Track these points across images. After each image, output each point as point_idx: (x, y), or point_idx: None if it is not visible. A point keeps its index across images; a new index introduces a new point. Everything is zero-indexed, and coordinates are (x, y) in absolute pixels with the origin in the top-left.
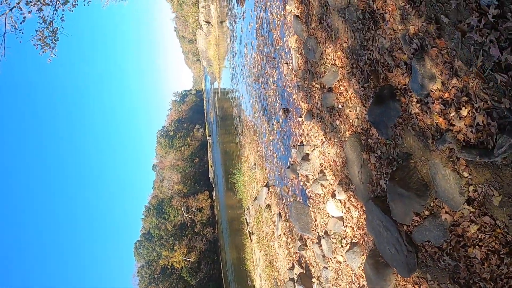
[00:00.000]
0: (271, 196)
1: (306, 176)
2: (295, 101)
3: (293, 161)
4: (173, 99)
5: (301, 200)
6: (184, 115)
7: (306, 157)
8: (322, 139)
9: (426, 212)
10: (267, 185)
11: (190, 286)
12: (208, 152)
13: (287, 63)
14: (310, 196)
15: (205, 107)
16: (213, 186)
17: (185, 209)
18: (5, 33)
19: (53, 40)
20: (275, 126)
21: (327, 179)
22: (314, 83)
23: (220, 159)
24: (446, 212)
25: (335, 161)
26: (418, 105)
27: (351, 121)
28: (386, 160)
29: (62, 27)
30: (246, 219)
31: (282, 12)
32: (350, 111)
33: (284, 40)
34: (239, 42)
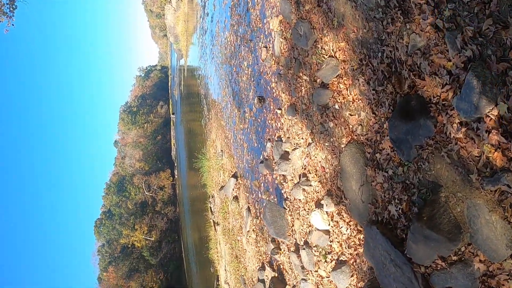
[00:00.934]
0: (239, 188)
1: (284, 176)
2: (274, 90)
3: (267, 156)
4: (137, 74)
5: (275, 199)
6: (148, 91)
7: (285, 156)
8: (307, 139)
9: (454, 257)
10: (235, 176)
11: (150, 265)
12: (171, 130)
13: (266, 47)
14: (287, 198)
15: (169, 84)
16: (175, 164)
17: (146, 187)
18: None
19: (11, 9)
20: (247, 114)
21: (311, 185)
22: (301, 74)
23: (183, 137)
24: (481, 261)
25: (324, 168)
26: (463, 129)
27: (351, 126)
28: (400, 184)
29: None
30: (210, 207)
31: None
32: (350, 114)
33: (265, 22)
34: (210, 20)
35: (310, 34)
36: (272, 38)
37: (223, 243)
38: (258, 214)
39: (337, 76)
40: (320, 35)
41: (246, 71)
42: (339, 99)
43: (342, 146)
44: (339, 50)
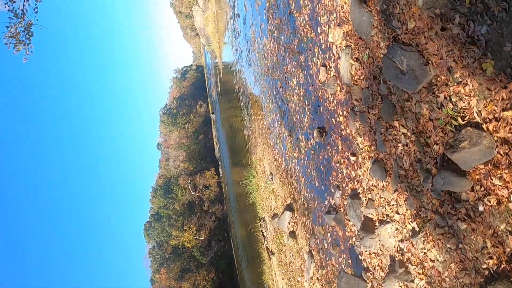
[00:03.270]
0: (296, 223)
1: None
2: (343, 127)
3: (336, 206)
4: (174, 76)
5: (349, 261)
6: (186, 92)
7: (368, 225)
8: (406, 219)
9: None
10: (290, 208)
11: (201, 264)
12: (213, 129)
13: (325, 66)
14: (369, 269)
15: (206, 82)
16: (219, 162)
17: (192, 187)
18: None
19: (28, 36)
20: (302, 143)
21: (413, 281)
22: (397, 125)
23: (225, 135)
24: None
25: (440, 273)
26: None
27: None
28: None
29: (37, 19)
30: (262, 231)
31: None
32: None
33: (319, 31)
34: (242, 21)
35: (421, 72)
36: (333, 55)
37: (279, 275)
38: (323, 264)
39: (487, 162)
40: (443, 78)
41: (296, 91)
42: (487, 200)
43: (484, 268)
44: (495, 120)
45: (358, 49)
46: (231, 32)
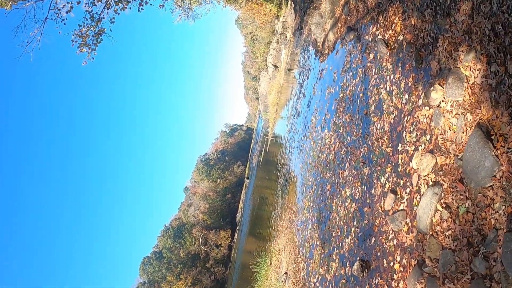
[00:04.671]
0: None
1: None
2: (396, 277)
3: None
4: (223, 129)
5: None
6: (229, 148)
7: None
8: None
9: None
10: None
11: None
12: (242, 193)
13: (394, 193)
14: None
15: (251, 147)
16: (237, 227)
17: (203, 241)
18: (46, 18)
19: (95, 42)
20: (334, 264)
21: None
22: None
23: (252, 204)
24: None
25: None
26: None
27: None
28: None
29: (110, 30)
30: None
31: (408, 98)
32: None
33: (399, 148)
34: (306, 103)
35: None
36: (412, 185)
37: None
38: None
39: None
40: None
41: (347, 204)
42: None
43: None
44: None
45: (453, 195)
46: (291, 109)
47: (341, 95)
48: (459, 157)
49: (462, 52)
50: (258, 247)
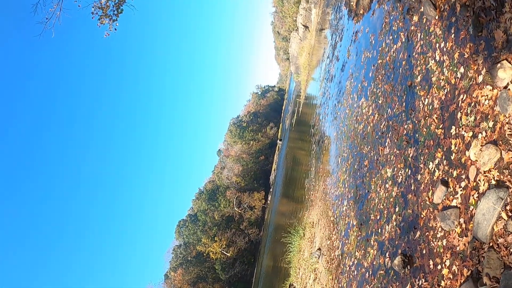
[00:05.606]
0: None
1: None
2: (443, 284)
3: None
4: (254, 91)
5: None
6: (262, 110)
7: None
8: None
9: None
10: None
11: (219, 279)
12: (275, 155)
13: (447, 186)
14: None
15: (283, 108)
16: (271, 189)
17: (237, 203)
18: None
19: (116, 12)
20: (371, 251)
21: None
22: None
23: (285, 165)
24: None
25: None
26: None
27: None
28: None
29: None
30: None
31: (464, 72)
32: None
33: (453, 132)
34: (340, 67)
35: None
36: (468, 180)
37: None
38: None
39: None
40: None
41: (387, 186)
42: None
43: None
44: None
45: None
46: (324, 72)
47: (380, 61)
48: None
49: None
50: (291, 209)
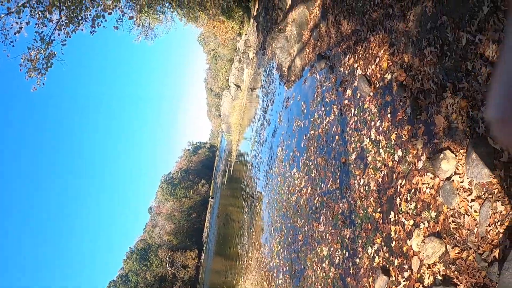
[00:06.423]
0: None
1: None
2: None
3: None
4: (186, 147)
5: None
6: (193, 167)
7: None
8: None
9: None
10: None
11: None
12: (208, 213)
13: (388, 275)
14: None
15: (215, 165)
16: (204, 247)
17: (169, 262)
18: None
19: (45, 66)
20: None
21: None
22: None
23: (217, 223)
24: None
25: None
26: None
27: None
28: None
29: (62, 53)
30: None
31: (403, 156)
32: None
33: (392, 218)
34: (271, 131)
35: None
36: (411, 271)
37: None
38: None
39: None
40: None
41: (324, 266)
42: None
43: None
44: None
45: None
46: (255, 134)
47: (312, 132)
48: (483, 256)
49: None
50: (226, 267)
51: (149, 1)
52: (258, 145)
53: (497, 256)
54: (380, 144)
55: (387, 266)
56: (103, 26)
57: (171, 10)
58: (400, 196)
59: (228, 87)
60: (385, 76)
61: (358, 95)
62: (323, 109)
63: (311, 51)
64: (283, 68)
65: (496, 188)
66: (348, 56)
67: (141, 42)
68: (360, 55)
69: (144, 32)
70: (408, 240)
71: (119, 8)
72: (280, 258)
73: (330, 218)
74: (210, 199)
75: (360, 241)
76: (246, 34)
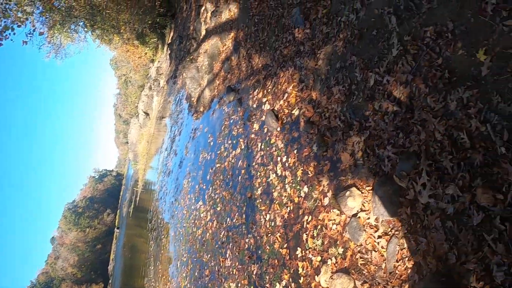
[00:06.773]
0: None
1: None
2: None
3: None
4: (92, 174)
5: None
6: (99, 195)
7: None
8: None
9: None
10: None
11: None
12: (113, 244)
13: None
14: None
15: (121, 194)
16: (110, 280)
17: None
18: None
19: None
20: None
21: None
22: None
23: (123, 254)
24: None
25: None
26: None
27: None
28: None
29: None
30: None
31: (309, 192)
32: None
33: (298, 254)
34: (178, 162)
35: None
36: None
37: None
38: None
39: None
40: None
41: None
42: None
43: None
44: None
45: None
46: (162, 164)
47: (218, 165)
48: None
49: (395, 154)
50: None
51: (62, 18)
52: (164, 176)
53: None
54: (286, 179)
55: None
56: (11, 40)
57: (85, 29)
58: (307, 232)
59: (137, 114)
60: (293, 112)
61: (265, 129)
62: (230, 142)
63: (221, 83)
64: (193, 99)
65: (402, 225)
66: (257, 90)
67: (51, 60)
68: (269, 90)
69: (55, 50)
70: (316, 276)
71: (30, 22)
72: (185, 281)
73: (237, 253)
74: (115, 229)
75: (267, 277)
76: (159, 61)
